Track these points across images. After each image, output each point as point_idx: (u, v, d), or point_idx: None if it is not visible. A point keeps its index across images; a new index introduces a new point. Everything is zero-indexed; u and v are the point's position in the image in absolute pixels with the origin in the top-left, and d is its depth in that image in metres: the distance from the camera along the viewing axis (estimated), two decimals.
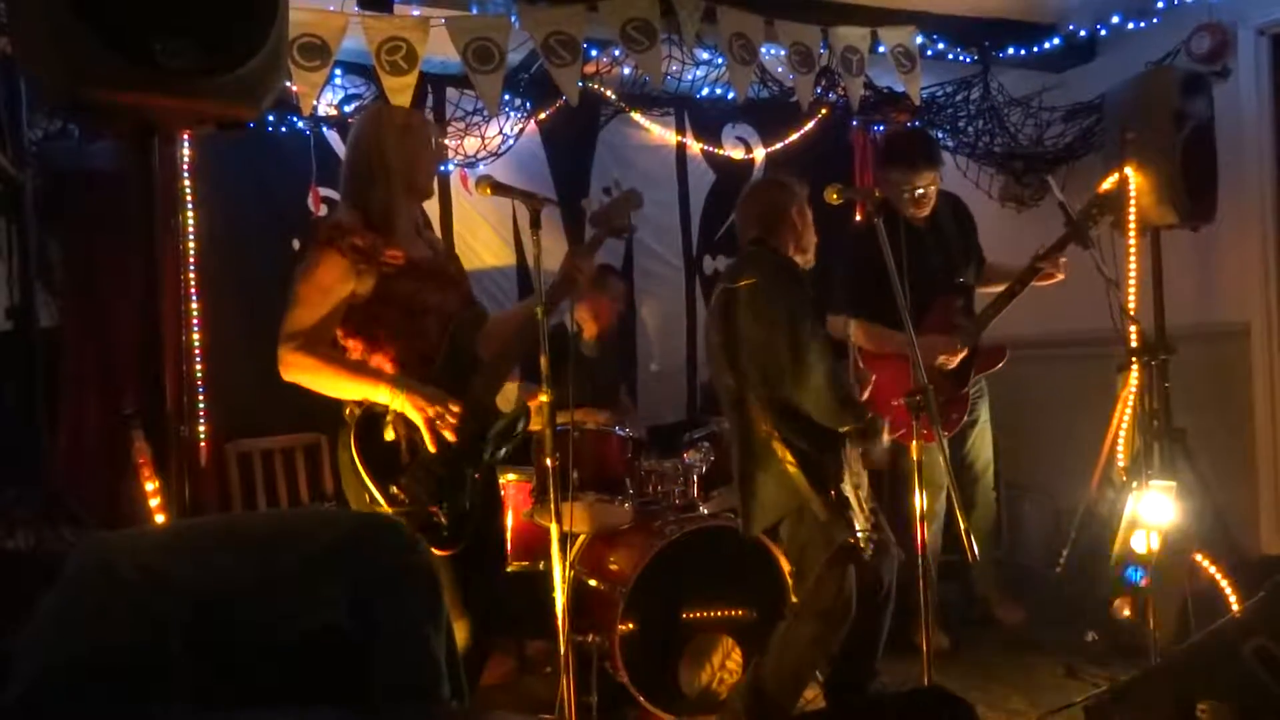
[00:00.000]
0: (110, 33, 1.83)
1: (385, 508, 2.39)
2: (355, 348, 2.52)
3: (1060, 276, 3.78)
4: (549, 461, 2.45)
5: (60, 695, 1.35)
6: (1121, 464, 3.81)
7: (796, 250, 3.01)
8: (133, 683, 1.38)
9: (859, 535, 2.78)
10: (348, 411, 2.50)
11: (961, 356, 3.78)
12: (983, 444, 4.16)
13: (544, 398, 2.45)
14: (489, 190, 2.54)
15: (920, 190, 3.80)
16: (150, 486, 2.03)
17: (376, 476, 2.41)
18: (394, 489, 2.41)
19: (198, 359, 3.67)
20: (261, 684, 1.48)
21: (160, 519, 2.05)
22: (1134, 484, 3.57)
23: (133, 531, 1.87)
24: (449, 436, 2.44)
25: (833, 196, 2.84)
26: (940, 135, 4.88)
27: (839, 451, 2.84)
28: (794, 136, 5.03)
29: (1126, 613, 3.55)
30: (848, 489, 2.82)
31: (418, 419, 2.41)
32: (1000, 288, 3.82)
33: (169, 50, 1.85)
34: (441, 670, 1.57)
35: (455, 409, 2.44)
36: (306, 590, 1.61)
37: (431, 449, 2.43)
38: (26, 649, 1.41)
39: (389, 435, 2.43)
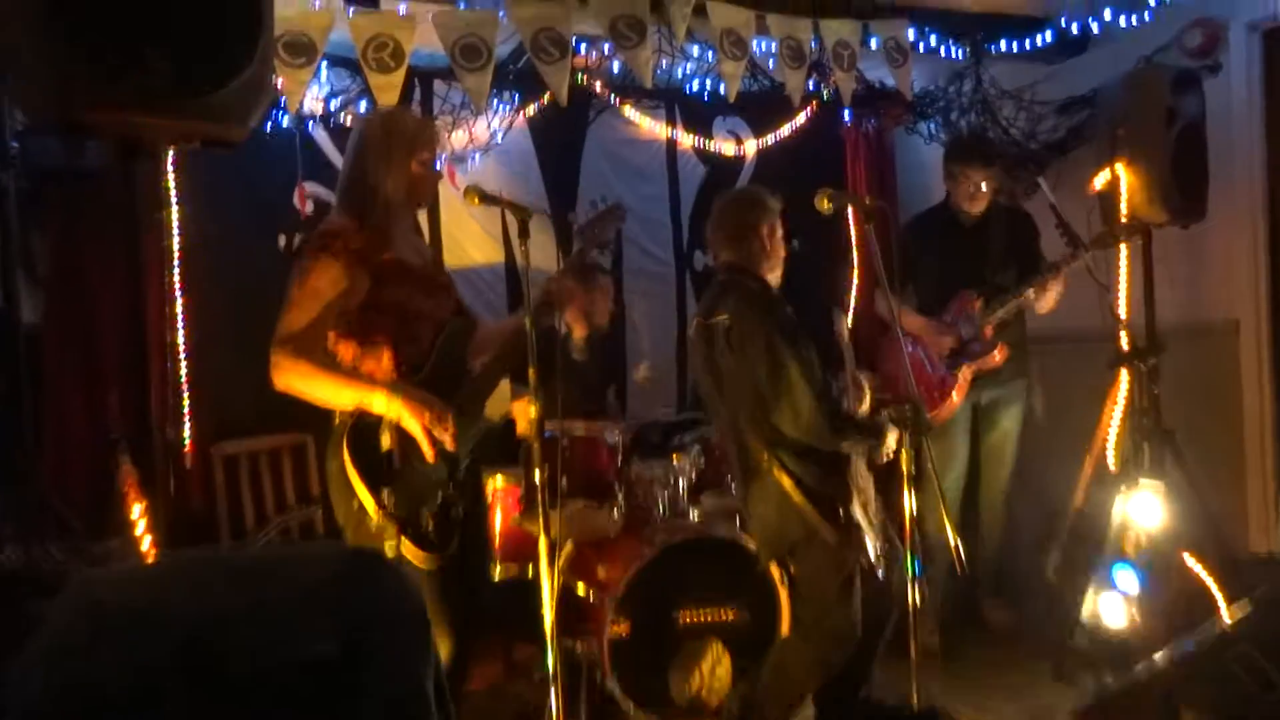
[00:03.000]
0: (93, 52, 1.80)
1: (374, 515, 2.36)
2: (348, 351, 2.49)
3: (1051, 300, 3.86)
4: (537, 474, 2.43)
5: None
6: (1111, 464, 3.82)
7: (767, 270, 2.98)
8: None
9: (873, 558, 2.75)
10: (338, 420, 2.48)
11: (949, 343, 3.94)
12: (1000, 448, 4.17)
13: (533, 412, 2.42)
14: (476, 200, 2.51)
15: (974, 186, 3.97)
16: (137, 510, 2.01)
17: (369, 483, 2.38)
18: (385, 494, 2.38)
19: (182, 359, 3.63)
20: (251, 717, 1.46)
21: (148, 541, 2.03)
22: (1124, 484, 3.59)
23: (121, 569, 1.85)
24: (447, 443, 2.41)
25: (824, 204, 2.81)
26: (932, 128, 4.87)
27: (843, 472, 2.80)
28: (785, 129, 4.99)
29: (1116, 615, 3.57)
30: (856, 509, 2.77)
31: (414, 426, 2.38)
32: None
33: (152, 70, 1.81)
34: (431, 706, 1.56)
35: (450, 415, 2.41)
36: (297, 624, 1.59)
37: (429, 459, 2.40)
38: (17, 683, 1.40)
39: (385, 443, 2.40)
